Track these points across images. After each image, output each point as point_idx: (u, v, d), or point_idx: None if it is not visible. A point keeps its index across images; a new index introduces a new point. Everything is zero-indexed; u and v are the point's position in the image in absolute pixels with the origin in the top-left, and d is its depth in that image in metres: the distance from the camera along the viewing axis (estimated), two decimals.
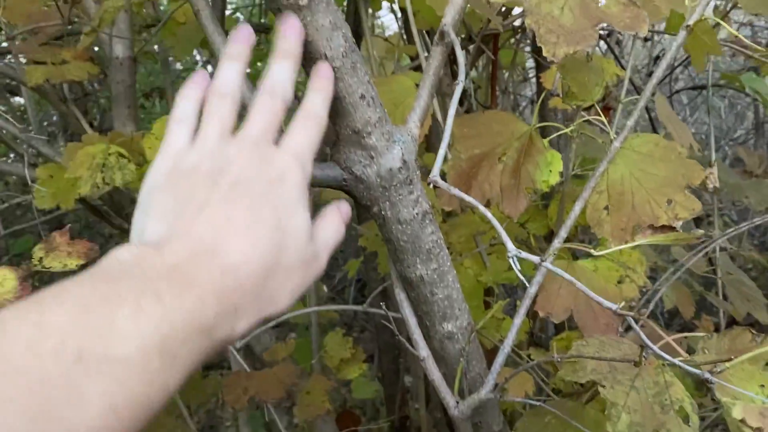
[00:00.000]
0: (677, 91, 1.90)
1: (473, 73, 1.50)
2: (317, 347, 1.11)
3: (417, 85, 0.91)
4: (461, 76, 0.50)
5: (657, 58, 2.09)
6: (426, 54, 1.01)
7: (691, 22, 0.58)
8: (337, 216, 0.50)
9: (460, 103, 1.17)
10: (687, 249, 0.89)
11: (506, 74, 1.46)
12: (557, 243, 0.64)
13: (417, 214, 0.62)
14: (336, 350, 0.95)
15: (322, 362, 0.99)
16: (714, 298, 0.99)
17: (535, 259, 0.41)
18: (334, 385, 0.92)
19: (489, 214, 0.43)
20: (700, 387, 0.59)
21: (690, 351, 0.65)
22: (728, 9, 0.83)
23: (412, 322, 0.68)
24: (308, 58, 0.55)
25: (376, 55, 1.87)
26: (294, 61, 0.49)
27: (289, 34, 0.49)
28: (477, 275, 0.92)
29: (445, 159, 0.74)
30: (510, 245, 0.42)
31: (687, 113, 3.06)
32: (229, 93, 0.47)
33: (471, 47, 1.00)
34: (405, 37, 1.42)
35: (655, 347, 0.41)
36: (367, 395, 1.43)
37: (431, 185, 0.52)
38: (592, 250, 0.47)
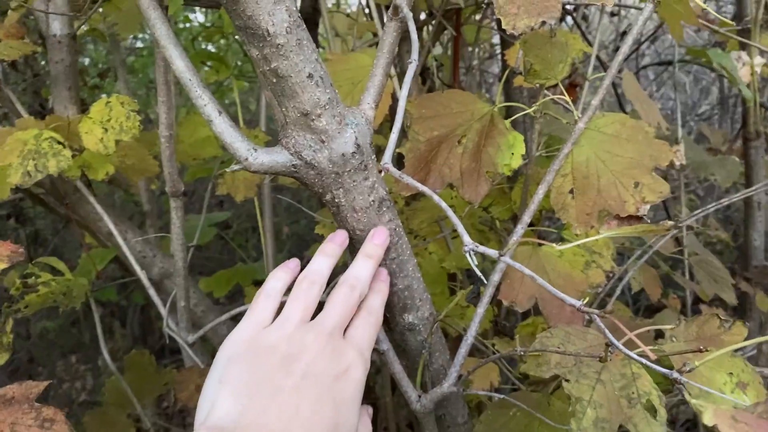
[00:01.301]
0: (644, 67, 1.89)
1: (437, 50, 1.46)
2: None
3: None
4: (414, 55, 0.46)
5: (624, 34, 2.07)
6: None
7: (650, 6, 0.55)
8: (368, 416, 0.54)
9: (423, 81, 1.13)
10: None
11: (471, 50, 1.42)
12: (520, 229, 0.61)
13: (373, 201, 0.59)
14: None
15: None
16: (681, 278, 0.98)
17: (493, 253, 0.38)
18: None
19: (444, 204, 0.39)
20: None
21: (657, 336, 0.63)
22: None
23: None
24: (249, 34, 0.51)
25: (338, 31, 1.81)
26: (375, 264, 0.56)
27: (377, 241, 0.57)
28: (441, 260, 0.89)
29: (402, 142, 0.70)
30: (466, 238, 0.38)
31: (654, 88, 3.07)
32: (318, 282, 0.53)
33: (432, 23, 0.95)
34: (368, 12, 1.37)
35: (620, 345, 0.38)
36: None
37: (382, 172, 0.48)
38: (554, 245, 0.44)
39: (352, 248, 0.62)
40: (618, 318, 0.60)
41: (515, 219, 0.80)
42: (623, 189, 0.61)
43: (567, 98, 0.60)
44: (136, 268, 0.87)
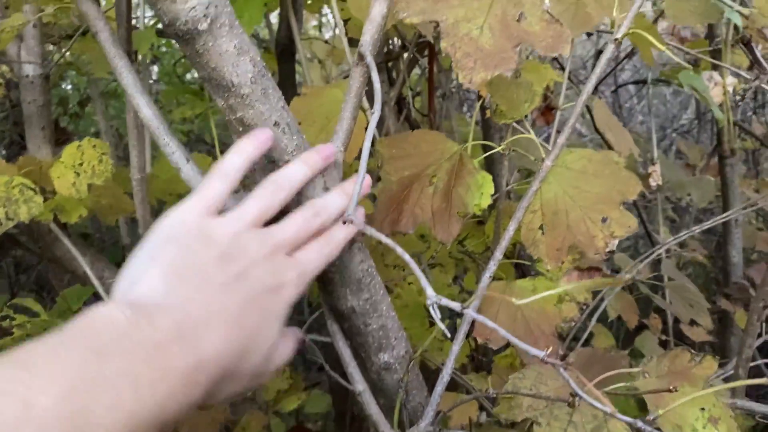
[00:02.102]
0: (621, 85, 1.91)
1: (414, 75, 1.46)
2: None
3: None
4: (377, 106, 0.46)
5: (600, 53, 2.10)
6: None
7: (618, 36, 0.56)
8: (292, 341, 0.50)
9: (399, 110, 1.14)
10: (631, 255, 0.88)
11: (448, 75, 1.43)
12: (492, 266, 0.62)
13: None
14: (273, 381, 0.91)
15: (259, 396, 0.95)
16: (660, 301, 0.98)
17: (456, 306, 0.38)
18: (269, 420, 0.88)
19: (407, 257, 0.40)
20: (643, 406, 0.57)
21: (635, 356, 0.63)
22: (655, 19, 0.81)
23: (346, 354, 0.64)
24: (214, 85, 0.51)
25: (317, 56, 1.82)
26: (350, 200, 0.51)
27: (364, 186, 0.51)
28: (420, 291, 0.89)
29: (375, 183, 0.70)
30: (429, 291, 0.39)
31: (635, 101, 3.10)
32: (286, 189, 0.49)
33: (405, 55, 0.96)
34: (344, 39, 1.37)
35: (585, 395, 0.38)
36: (321, 409, 1.39)
37: (345, 223, 0.48)
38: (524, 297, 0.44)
39: (324, 289, 0.62)
40: (589, 355, 0.61)
41: (489, 251, 0.80)
42: (592, 224, 0.61)
43: (533, 137, 0.60)
44: (104, 295, 0.87)
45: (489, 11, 0.49)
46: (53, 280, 1.30)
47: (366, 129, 0.52)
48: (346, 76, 1.06)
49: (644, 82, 1.65)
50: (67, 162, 0.70)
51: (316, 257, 0.50)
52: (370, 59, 0.49)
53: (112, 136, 1.87)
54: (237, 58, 0.49)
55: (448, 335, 0.40)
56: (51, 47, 1.11)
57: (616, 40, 0.56)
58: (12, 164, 0.77)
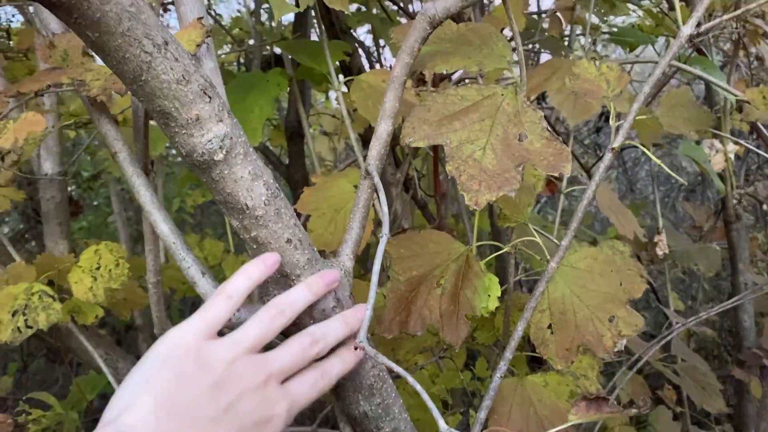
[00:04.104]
0: (625, 147, 1.94)
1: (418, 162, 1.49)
2: None
3: (355, 188, 0.90)
4: (385, 229, 0.48)
5: (602, 116, 2.14)
6: (363, 152, 1.00)
7: (615, 145, 0.58)
8: None
9: (406, 190, 1.16)
10: (643, 338, 0.88)
11: None
12: (503, 366, 0.62)
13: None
14: None
15: None
16: (673, 376, 0.98)
17: None
18: None
19: (418, 387, 0.41)
20: None
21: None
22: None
23: None
24: (229, 207, 0.53)
25: (325, 129, 1.87)
26: (349, 332, 0.53)
27: (360, 314, 0.54)
28: (432, 376, 0.89)
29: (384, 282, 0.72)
30: (441, 423, 0.39)
31: (642, 159, 3.12)
32: (287, 315, 0.50)
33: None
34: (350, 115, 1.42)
35: None
36: None
37: (356, 349, 0.49)
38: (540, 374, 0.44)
39: (336, 395, 0.63)
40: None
41: (498, 344, 0.81)
42: (600, 324, 0.62)
43: (538, 239, 0.62)
44: None
45: (491, 131, 0.51)
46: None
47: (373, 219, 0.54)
48: (350, 164, 1.09)
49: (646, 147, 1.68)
50: (85, 266, 0.72)
51: (308, 390, 0.50)
52: (377, 179, 0.51)
53: (123, 209, 1.91)
54: (251, 183, 0.52)
55: None
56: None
57: (612, 148, 0.58)
58: (30, 265, 0.79)
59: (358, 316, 0.54)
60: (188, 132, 0.48)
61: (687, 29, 0.55)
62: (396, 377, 0.74)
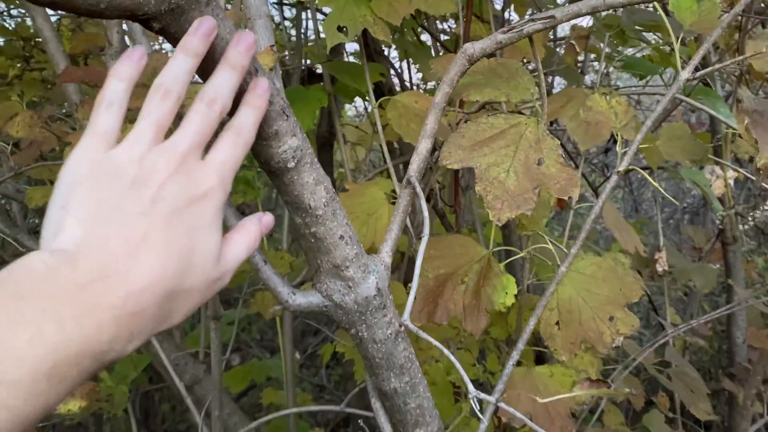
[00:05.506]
0: (629, 170, 2.03)
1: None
2: None
3: (385, 195, 1.00)
4: (426, 230, 0.58)
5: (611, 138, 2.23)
6: (393, 162, 1.11)
7: (620, 169, 0.68)
8: (253, 230, 0.50)
9: (427, 199, 1.26)
10: (638, 342, 0.98)
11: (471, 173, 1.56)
12: (516, 355, 0.72)
13: (390, 334, 0.70)
14: None
15: None
16: (666, 381, 1.07)
17: (492, 399, 0.49)
18: None
19: (455, 360, 0.51)
20: None
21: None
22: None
23: (387, 429, 0.74)
24: (295, 207, 0.63)
25: (348, 139, 1.98)
26: (241, 75, 0.48)
27: (242, 48, 0.47)
28: (447, 368, 0.99)
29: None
30: (471, 386, 0.49)
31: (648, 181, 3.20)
32: (174, 92, 0.45)
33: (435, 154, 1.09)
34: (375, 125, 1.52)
35: None
36: None
37: (402, 327, 0.59)
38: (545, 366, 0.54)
39: (371, 372, 0.73)
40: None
41: (510, 340, 0.91)
42: (601, 323, 0.72)
43: (551, 247, 0.72)
44: (174, 376, 0.97)
45: (514, 156, 0.61)
46: None
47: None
48: (380, 172, 1.19)
49: (648, 168, 1.77)
50: None
51: (232, 152, 0.47)
52: (418, 188, 0.61)
53: None
54: (315, 187, 0.62)
55: (484, 421, 0.50)
56: None
57: (618, 171, 0.68)
58: None
59: (239, 50, 0.48)
60: (268, 143, 0.58)
61: (685, 74, 0.65)
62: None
